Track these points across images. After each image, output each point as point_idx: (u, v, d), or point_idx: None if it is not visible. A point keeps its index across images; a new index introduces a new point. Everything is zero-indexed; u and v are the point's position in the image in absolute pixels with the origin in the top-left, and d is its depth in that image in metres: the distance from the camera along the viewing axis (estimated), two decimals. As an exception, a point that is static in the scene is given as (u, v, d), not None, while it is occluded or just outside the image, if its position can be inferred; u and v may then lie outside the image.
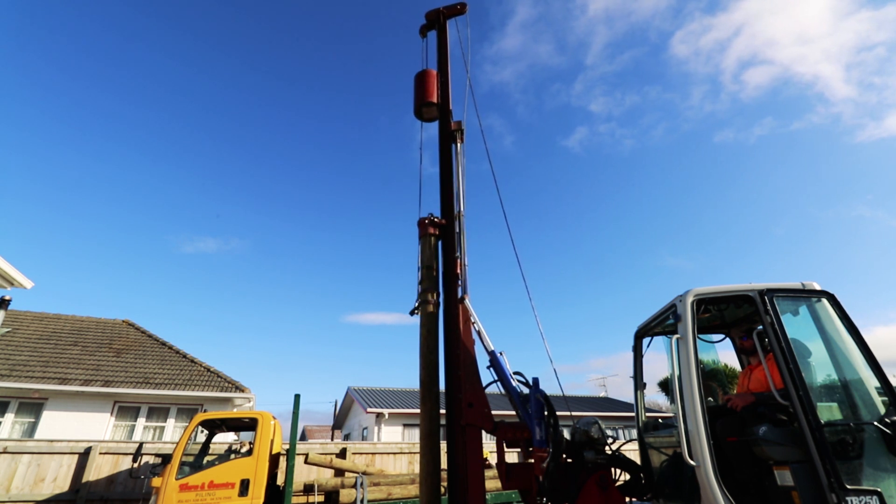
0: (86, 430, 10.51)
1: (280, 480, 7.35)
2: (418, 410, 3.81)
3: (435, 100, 4.70)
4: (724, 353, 4.84)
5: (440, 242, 4.24)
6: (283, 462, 7.47)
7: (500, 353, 3.93)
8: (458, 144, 4.64)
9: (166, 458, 6.08)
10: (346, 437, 23.42)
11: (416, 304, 4.01)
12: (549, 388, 3.93)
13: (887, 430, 2.73)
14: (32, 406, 10.67)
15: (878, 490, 2.59)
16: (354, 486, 7.39)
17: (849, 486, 2.59)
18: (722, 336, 4.62)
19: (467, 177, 4.57)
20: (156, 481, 6.00)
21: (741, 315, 4.29)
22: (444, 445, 3.59)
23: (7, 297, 8.86)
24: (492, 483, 7.44)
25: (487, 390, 3.75)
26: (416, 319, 4.05)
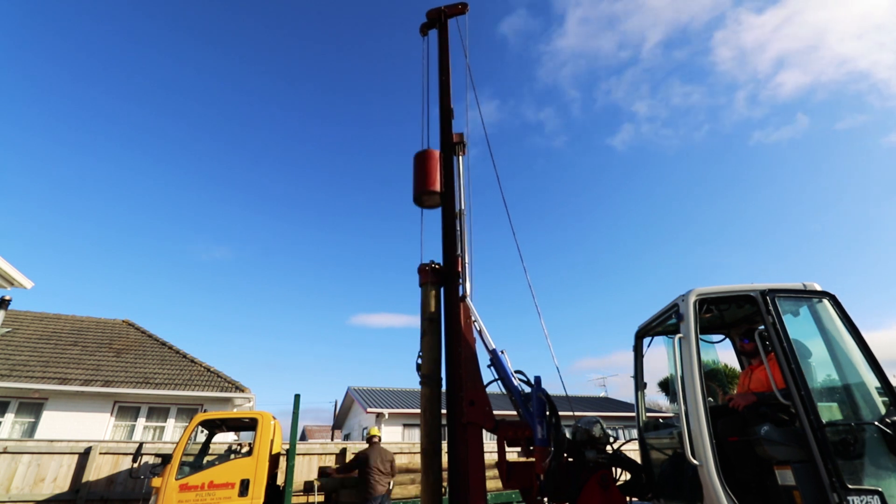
0: (86, 430, 10.49)
1: (280, 480, 7.34)
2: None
3: (438, 188, 4.23)
4: (724, 353, 4.84)
5: (443, 289, 4.00)
6: (283, 462, 7.46)
7: (502, 352, 3.93)
8: (461, 157, 4.51)
9: (166, 458, 6.06)
10: (346, 437, 23.39)
11: (420, 361, 3.83)
12: (551, 387, 3.92)
13: (888, 430, 2.73)
14: (32, 406, 10.66)
15: (880, 490, 2.59)
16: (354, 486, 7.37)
17: (850, 486, 2.59)
18: (722, 336, 4.62)
19: (471, 177, 4.56)
20: (156, 481, 5.99)
21: (742, 315, 4.29)
22: (443, 445, 3.59)
23: (7, 297, 8.84)
24: (492, 483, 7.42)
25: (489, 389, 3.75)
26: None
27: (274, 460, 6.96)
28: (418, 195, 4.32)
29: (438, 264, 4.08)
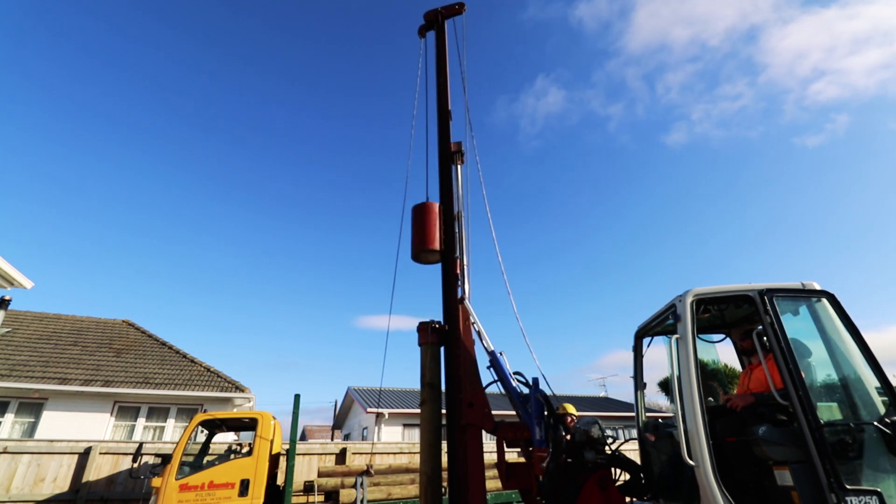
0: (86, 430, 10.51)
1: (280, 480, 7.35)
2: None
3: (437, 247, 4.10)
4: (724, 353, 4.84)
5: (443, 349, 3.85)
6: (283, 462, 7.47)
7: (500, 354, 3.94)
8: (459, 166, 4.46)
9: (166, 458, 6.07)
10: (346, 437, 23.41)
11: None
12: (557, 388, 3.91)
13: (887, 431, 2.72)
14: (32, 406, 10.67)
15: (878, 490, 2.59)
16: (354, 486, 7.39)
17: (848, 487, 2.59)
18: (722, 336, 4.61)
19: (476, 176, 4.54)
20: (156, 481, 6.00)
21: (741, 315, 4.28)
22: (444, 445, 3.59)
23: (7, 297, 8.84)
24: (492, 483, 7.43)
25: (487, 390, 3.75)
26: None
27: (274, 460, 6.97)
28: (416, 253, 4.20)
29: (439, 323, 3.89)
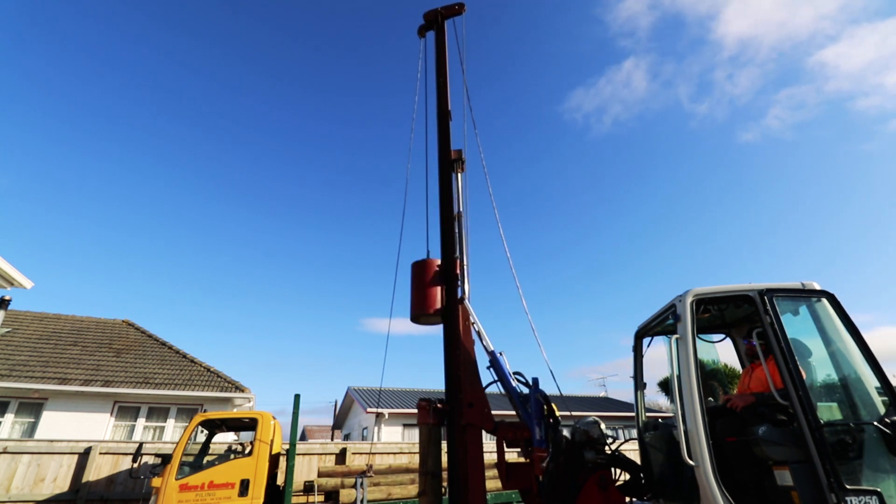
0: (86, 430, 10.51)
1: (280, 480, 7.35)
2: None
3: (438, 308, 3.88)
4: (724, 353, 4.84)
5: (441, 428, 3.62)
6: (283, 462, 7.47)
7: (500, 354, 3.94)
8: (459, 175, 4.39)
9: (166, 458, 6.08)
10: (346, 437, 23.42)
11: None
12: (567, 387, 3.90)
13: (887, 430, 2.73)
14: (32, 406, 10.67)
15: (878, 490, 2.59)
16: (354, 486, 7.39)
17: (848, 487, 2.59)
18: (722, 336, 4.62)
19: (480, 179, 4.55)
20: (156, 481, 6.01)
21: (741, 315, 4.29)
22: (444, 445, 3.59)
23: (7, 297, 8.84)
24: (492, 483, 7.44)
25: (487, 390, 3.75)
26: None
27: (274, 460, 6.97)
28: (416, 316, 3.98)
29: (441, 402, 3.62)
